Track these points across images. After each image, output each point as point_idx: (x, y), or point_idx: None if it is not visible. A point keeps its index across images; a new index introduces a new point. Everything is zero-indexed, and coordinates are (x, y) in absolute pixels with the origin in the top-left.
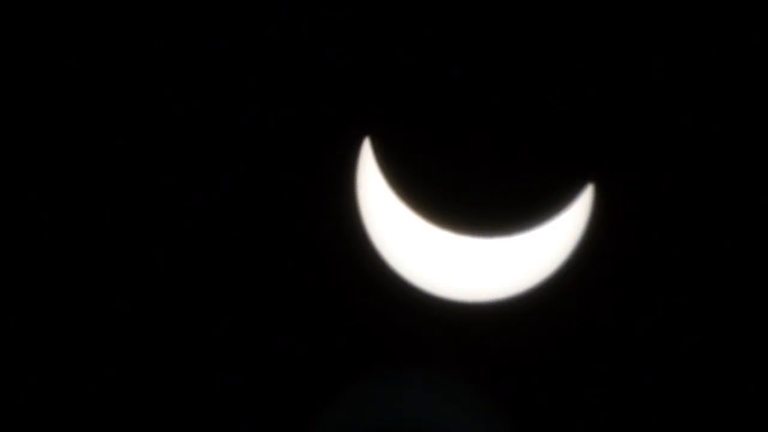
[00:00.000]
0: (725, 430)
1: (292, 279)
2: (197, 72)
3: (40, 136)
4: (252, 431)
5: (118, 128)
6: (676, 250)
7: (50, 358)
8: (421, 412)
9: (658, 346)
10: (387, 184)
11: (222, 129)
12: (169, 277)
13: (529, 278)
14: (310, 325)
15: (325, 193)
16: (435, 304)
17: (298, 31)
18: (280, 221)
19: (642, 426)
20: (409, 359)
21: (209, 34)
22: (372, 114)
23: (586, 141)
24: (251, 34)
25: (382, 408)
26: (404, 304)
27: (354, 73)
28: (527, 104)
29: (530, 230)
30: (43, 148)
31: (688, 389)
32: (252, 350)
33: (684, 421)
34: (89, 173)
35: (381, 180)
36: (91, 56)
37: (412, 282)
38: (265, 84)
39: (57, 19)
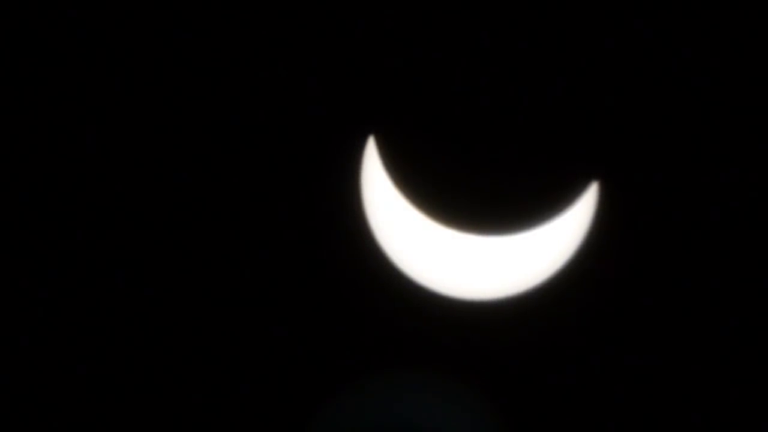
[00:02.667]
0: (726, 430)
1: (297, 278)
2: (201, 72)
3: (41, 136)
4: (254, 430)
5: (121, 130)
6: (680, 250)
7: (50, 358)
8: (424, 412)
9: (661, 346)
10: (391, 182)
11: (226, 128)
12: (172, 275)
13: (533, 276)
14: (313, 323)
15: (330, 192)
16: (439, 302)
17: (301, 30)
18: (284, 220)
19: (643, 426)
20: (413, 357)
21: (212, 34)
22: (376, 112)
23: (591, 139)
24: (255, 33)
25: (385, 407)
26: (408, 302)
27: (358, 72)
28: (531, 102)
29: (534, 228)
30: (44, 148)
31: (690, 389)
32: (255, 349)
33: (686, 422)
34: (92, 176)
35: (385, 178)
36: (92, 56)
37: (416, 280)
38: (269, 83)
39: (56, 18)
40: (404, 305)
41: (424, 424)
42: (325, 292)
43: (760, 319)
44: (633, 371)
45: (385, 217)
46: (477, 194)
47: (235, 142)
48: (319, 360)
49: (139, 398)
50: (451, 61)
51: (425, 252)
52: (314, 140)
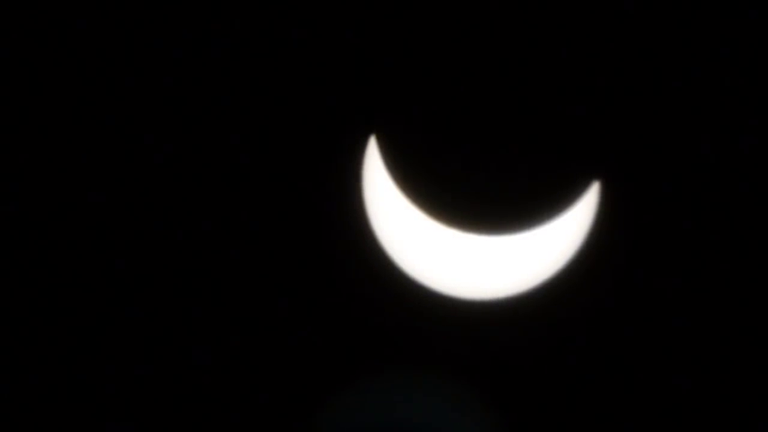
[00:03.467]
0: (726, 430)
1: (299, 277)
2: (202, 73)
3: (42, 136)
4: (254, 430)
5: (122, 130)
6: (680, 250)
7: (51, 359)
8: (424, 412)
9: (661, 345)
10: (393, 182)
11: (228, 129)
12: (173, 275)
13: (534, 276)
14: (314, 322)
15: (331, 192)
16: (440, 301)
17: (304, 30)
18: (286, 220)
19: (643, 426)
20: (414, 356)
21: (215, 34)
22: (377, 112)
23: (592, 139)
24: (257, 34)
25: (385, 407)
26: (410, 302)
27: (359, 72)
28: (533, 102)
29: (536, 228)
30: (46, 148)
31: (691, 389)
32: (256, 348)
33: (686, 422)
34: (93, 178)
35: (387, 178)
36: (94, 56)
37: (417, 279)
38: (271, 83)
39: (57, 18)
40: (405, 304)
41: (425, 424)
42: (326, 291)
43: (760, 318)
44: (633, 371)
45: (387, 217)
46: (478, 194)
47: (236, 142)
48: (320, 359)
49: (138, 398)
50: (451, 61)
51: (426, 251)
52: (316, 140)
